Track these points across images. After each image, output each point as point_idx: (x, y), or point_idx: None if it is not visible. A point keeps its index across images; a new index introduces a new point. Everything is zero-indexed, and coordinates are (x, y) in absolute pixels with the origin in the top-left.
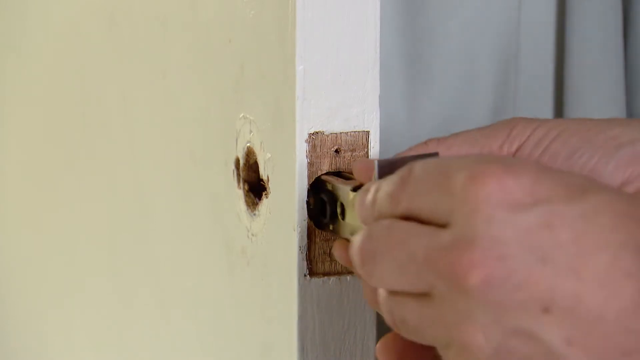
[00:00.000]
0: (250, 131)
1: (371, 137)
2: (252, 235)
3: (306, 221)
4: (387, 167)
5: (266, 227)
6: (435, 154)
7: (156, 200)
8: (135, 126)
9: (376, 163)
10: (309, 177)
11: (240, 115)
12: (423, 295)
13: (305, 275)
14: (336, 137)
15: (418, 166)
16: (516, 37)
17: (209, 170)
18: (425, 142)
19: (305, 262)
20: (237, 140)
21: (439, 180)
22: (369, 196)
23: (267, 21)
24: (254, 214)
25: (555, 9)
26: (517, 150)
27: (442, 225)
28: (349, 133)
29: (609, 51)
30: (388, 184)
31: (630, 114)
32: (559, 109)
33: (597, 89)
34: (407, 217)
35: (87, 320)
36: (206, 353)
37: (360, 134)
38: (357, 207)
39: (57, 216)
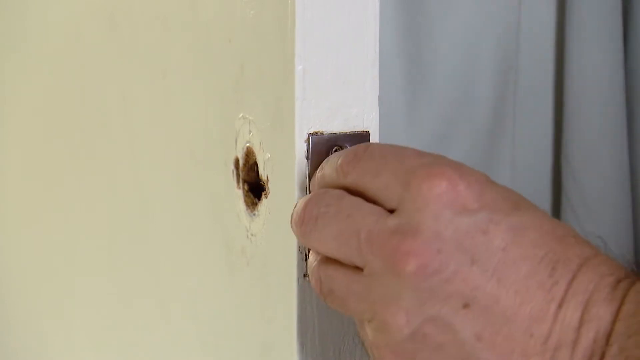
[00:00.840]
0: (250, 131)
1: (371, 137)
2: (252, 235)
3: None
4: (321, 145)
5: (266, 227)
6: (367, 134)
7: (156, 200)
8: (135, 126)
9: (310, 139)
10: (308, 177)
11: (240, 115)
12: (355, 269)
13: (304, 276)
14: (336, 137)
15: (376, 147)
16: (516, 37)
17: (208, 170)
18: None
19: (304, 262)
20: (236, 140)
21: (394, 166)
22: (319, 172)
23: (267, 21)
24: (254, 214)
25: (555, 9)
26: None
27: (388, 209)
28: (348, 133)
29: (609, 51)
30: (339, 155)
31: (630, 114)
32: (559, 109)
33: (597, 89)
34: (351, 190)
35: (87, 320)
36: (206, 353)
37: (361, 134)
38: (312, 184)
39: (57, 216)
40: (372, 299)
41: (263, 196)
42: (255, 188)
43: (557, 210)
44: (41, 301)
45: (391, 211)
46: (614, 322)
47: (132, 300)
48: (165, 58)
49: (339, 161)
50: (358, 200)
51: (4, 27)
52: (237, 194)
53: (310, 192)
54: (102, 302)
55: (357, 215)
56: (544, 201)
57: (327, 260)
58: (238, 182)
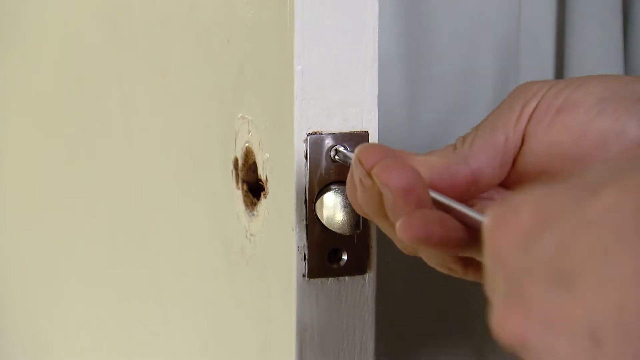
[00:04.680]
0: (249, 131)
1: (370, 137)
2: (251, 235)
3: (304, 221)
4: (320, 145)
5: (265, 228)
6: (366, 134)
7: (155, 200)
8: (135, 126)
9: (309, 139)
10: (307, 177)
11: (239, 115)
12: None
13: (303, 276)
14: (335, 137)
15: None
16: (516, 37)
17: (208, 170)
18: (455, 144)
19: (303, 263)
20: (235, 140)
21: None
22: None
23: (266, 21)
24: (253, 214)
25: (556, 8)
26: (536, 106)
27: None
28: (347, 133)
29: (609, 51)
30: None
31: None
32: None
33: None
34: None
35: (87, 320)
36: (205, 353)
37: (360, 134)
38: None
39: (57, 216)
40: None
41: (262, 196)
42: (254, 188)
43: None
44: (40, 301)
45: None
46: None
47: (132, 300)
48: (164, 58)
49: None
50: None
51: (4, 27)
52: (237, 194)
53: (309, 194)
54: (101, 303)
55: None
56: None
57: None
58: (237, 182)
